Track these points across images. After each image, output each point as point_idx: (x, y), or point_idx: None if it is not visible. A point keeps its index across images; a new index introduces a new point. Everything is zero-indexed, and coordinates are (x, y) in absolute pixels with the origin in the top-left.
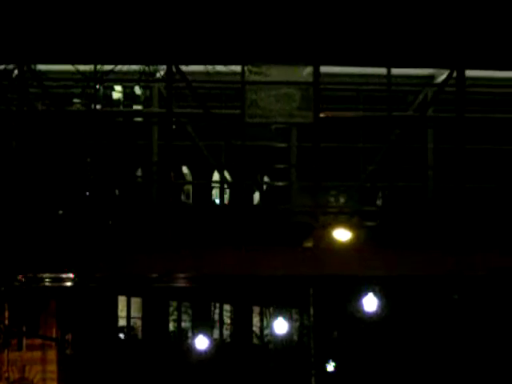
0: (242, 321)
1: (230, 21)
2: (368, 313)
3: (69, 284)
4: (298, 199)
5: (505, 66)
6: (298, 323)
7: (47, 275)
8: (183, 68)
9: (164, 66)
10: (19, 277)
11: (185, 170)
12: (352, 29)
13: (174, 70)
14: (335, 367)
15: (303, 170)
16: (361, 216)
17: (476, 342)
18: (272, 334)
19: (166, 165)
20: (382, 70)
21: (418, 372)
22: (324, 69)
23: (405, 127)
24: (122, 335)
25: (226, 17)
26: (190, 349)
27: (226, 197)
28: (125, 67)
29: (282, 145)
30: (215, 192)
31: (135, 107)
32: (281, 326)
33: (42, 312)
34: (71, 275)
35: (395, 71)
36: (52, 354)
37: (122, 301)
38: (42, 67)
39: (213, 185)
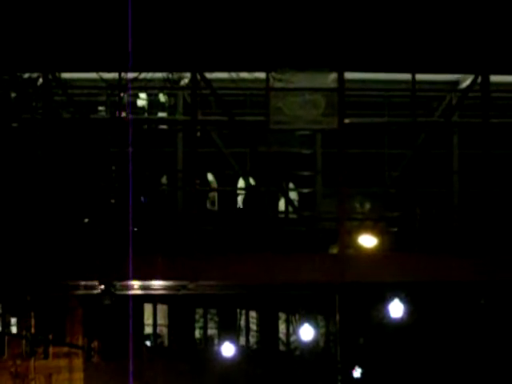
0: (268, 327)
1: (254, 28)
2: (394, 319)
3: (95, 292)
4: (323, 205)
5: None
6: (324, 330)
7: (73, 283)
8: (208, 75)
9: (188, 74)
10: (45, 285)
11: (210, 177)
12: (376, 35)
13: (198, 77)
14: (361, 373)
15: (328, 177)
16: (386, 222)
17: (504, 347)
18: (298, 341)
19: (191, 172)
20: (407, 76)
21: (445, 378)
22: (349, 75)
23: (430, 133)
24: (148, 343)
25: (250, 24)
26: (216, 356)
27: (251, 203)
28: (149, 75)
29: (307, 151)
30: (240, 199)
31: (160, 115)
32: (307, 333)
33: (68, 320)
34: (97, 283)
35: (420, 77)
36: (78, 362)
37: (148, 308)
38: (66, 75)
39: (238, 191)
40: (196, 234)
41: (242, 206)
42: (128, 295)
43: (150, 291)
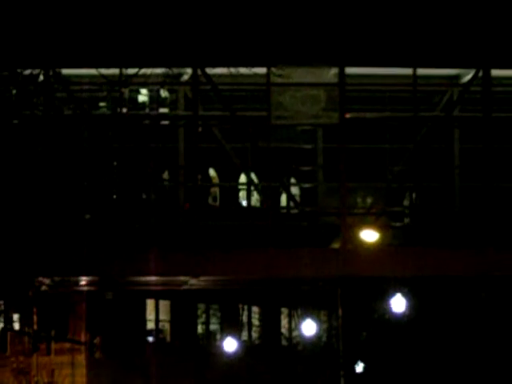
0: (270, 323)
1: (254, 23)
2: (396, 313)
3: (97, 287)
4: (325, 200)
5: None
6: (326, 324)
7: (74, 279)
8: (208, 71)
9: (189, 69)
10: (47, 281)
11: (211, 172)
12: (377, 30)
13: (199, 72)
14: (364, 368)
15: (329, 172)
16: (388, 217)
17: (506, 341)
18: (300, 336)
19: (192, 167)
20: (408, 71)
21: (446, 373)
22: (349, 70)
23: (431, 127)
24: (150, 338)
25: (251, 19)
26: (219, 351)
27: (253, 199)
28: (150, 70)
29: (308, 146)
30: (242, 194)
31: (161, 110)
32: (309, 328)
33: (70, 316)
34: (99, 278)
35: (421, 71)
36: (81, 358)
37: (150, 304)
38: (67, 72)
39: (239, 187)
40: (197, 229)
41: (244, 202)
42: (130, 291)
43: (151, 287)
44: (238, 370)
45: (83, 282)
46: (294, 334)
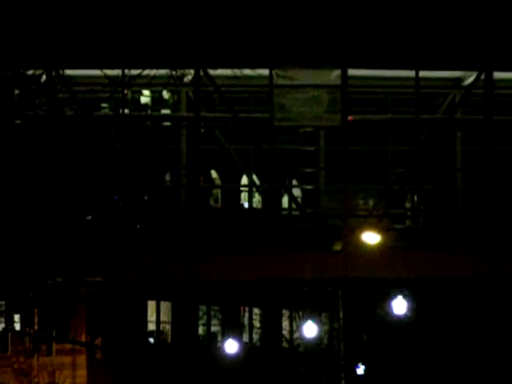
0: (271, 324)
1: (257, 25)
2: (397, 316)
3: (98, 288)
4: (327, 202)
5: None
6: (327, 326)
7: (77, 280)
8: (211, 72)
9: (192, 70)
10: (48, 281)
11: (213, 173)
12: (380, 32)
13: (201, 74)
14: (365, 370)
15: (331, 174)
16: (389, 219)
17: (506, 343)
18: (301, 338)
19: (194, 169)
20: (410, 73)
21: (447, 375)
22: (352, 72)
23: (433, 130)
24: (151, 340)
25: (253, 21)
26: (220, 353)
27: (255, 200)
28: (153, 71)
29: (310, 148)
30: (244, 196)
31: (163, 111)
32: (310, 330)
33: (71, 317)
34: (100, 279)
35: (423, 74)
36: (82, 359)
37: (151, 305)
38: (70, 72)
39: (241, 188)
40: (199, 230)
41: (246, 203)
42: (131, 292)
43: (153, 288)
44: (239, 372)
45: (84, 283)
46: (295, 335)
